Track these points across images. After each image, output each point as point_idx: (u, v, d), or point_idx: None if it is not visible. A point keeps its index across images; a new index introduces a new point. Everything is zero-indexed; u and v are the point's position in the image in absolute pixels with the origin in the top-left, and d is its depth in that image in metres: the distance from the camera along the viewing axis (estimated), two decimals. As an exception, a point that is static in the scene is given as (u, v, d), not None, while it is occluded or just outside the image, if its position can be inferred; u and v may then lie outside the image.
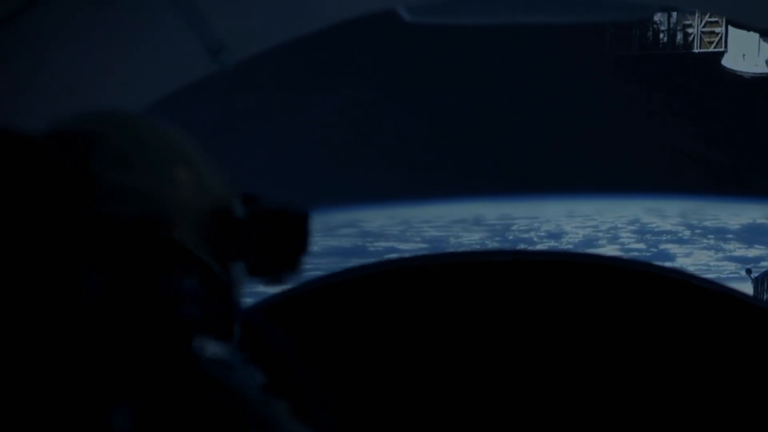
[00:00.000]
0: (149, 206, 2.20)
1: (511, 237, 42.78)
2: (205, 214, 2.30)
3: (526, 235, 43.18)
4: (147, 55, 3.74)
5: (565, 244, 41.36)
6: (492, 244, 41.05)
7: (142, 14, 3.63)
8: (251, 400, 2.13)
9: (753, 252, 40.08)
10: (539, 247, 40.74)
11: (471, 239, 42.37)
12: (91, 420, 1.96)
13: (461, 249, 38.32)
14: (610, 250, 39.54)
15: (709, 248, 41.50)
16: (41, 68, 3.48)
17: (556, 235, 43.16)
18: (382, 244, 40.47)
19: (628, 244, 42.03)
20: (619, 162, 48.22)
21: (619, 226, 45.01)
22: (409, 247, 40.06)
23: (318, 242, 41.76)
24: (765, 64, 34.96)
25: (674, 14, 38.24)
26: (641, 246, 41.73)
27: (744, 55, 36.88)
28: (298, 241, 2.43)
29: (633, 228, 44.70)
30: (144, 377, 2.02)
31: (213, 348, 2.17)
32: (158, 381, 2.03)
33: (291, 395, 2.30)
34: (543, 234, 43.49)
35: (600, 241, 41.96)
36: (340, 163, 44.44)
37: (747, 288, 17.54)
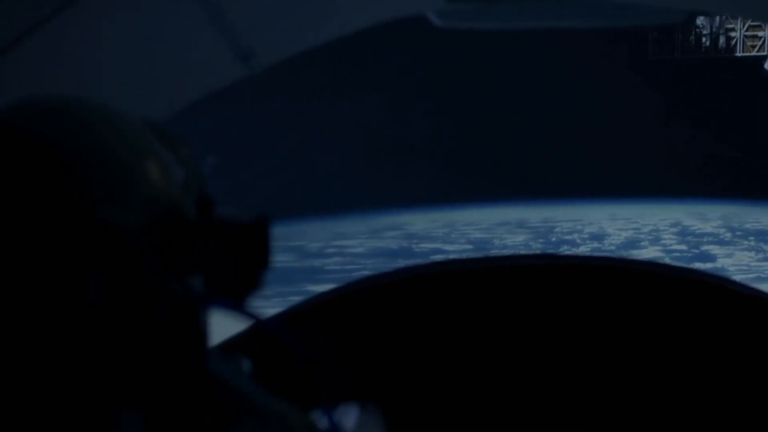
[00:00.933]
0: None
1: (554, 239, 42.53)
2: (151, 221, 1.97)
3: (569, 237, 42.91)
4: (176, 60, 3.69)
5: (608, 245, 41.11)
6: (536, 246, 40.85)
7: (171, 19, 3.59)
8: (245, 391, 2.07)
9: (794, 253, 39.70)
10: (582, 248, 40.55)
11: (515, 241, 42.15)
12: (96, 424, 1.89)
13: (505, 251, 38.17)
14: (652, 251, 39.27)
15: (749, 249, 41.06)
16: (69, 74, 3.45)
17: (598, 237, 42.87)
18: (428, 245, 40.32)
19: (670, 245, 41.67)
20: (659, 167, 47.88)
21: (660, 228, 44.67)
22: (454, 248, 39.90)
23: (364, 243, 41.77)
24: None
25: (716, 18, 37.91)
26: (683, 247, 41.36)
27: (786, 58, 36.51)
28: (256, 255, 2.10)
29: (674, 230, 44.34)
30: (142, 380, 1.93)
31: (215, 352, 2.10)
32: (159, 384, 1.95)
33: (309, 401, 2.24)
34: (586, 236, 43.21)
35: (642, 242, 41.65)
36: (377, 167, 44.34)
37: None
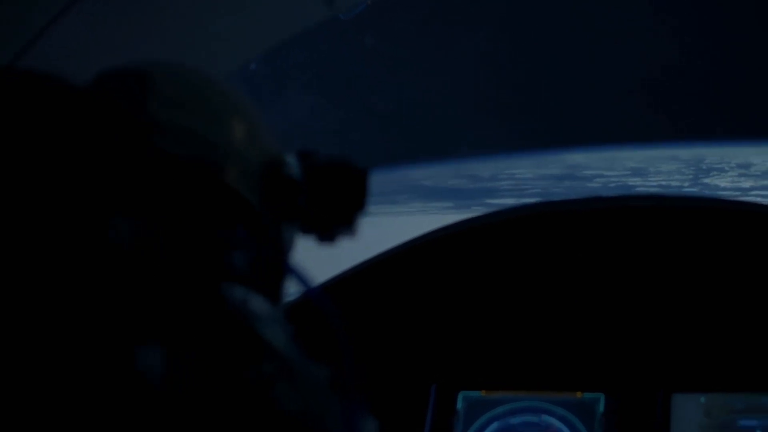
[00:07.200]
0: (202, 148, 1.87)
1: (704, 167, 41.10)
2: (258, 168, 1.93)
3: (718, 166, 41.37)
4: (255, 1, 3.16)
5: (753, 171, 39.45)
6: (687, 172, 39.56)
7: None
8: (282, 351, 1.77)
9: None
10: (730, 173, 39.09)
11: (669, 168, 40.91)
12: (118, 357, 1.63)
13: (660, 175, 37.15)
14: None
15: None
16: (151, 16, 2.96)
17: (745, 165, 41.22)
18: (590, 171, 39.44)
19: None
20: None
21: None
22: (614, 174, 38.90)
23: (531, 171, 41.07)
24: None
25: None
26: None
27: None
28: (355, 198, 2.04)
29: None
30: (176, 318, 1.68)
31: (253, 300, 1.79)
32: (190, 323, 1.69)
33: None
34: (733, 165, 41.62)
35: (787, 169, 40.00)
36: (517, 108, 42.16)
37: None
